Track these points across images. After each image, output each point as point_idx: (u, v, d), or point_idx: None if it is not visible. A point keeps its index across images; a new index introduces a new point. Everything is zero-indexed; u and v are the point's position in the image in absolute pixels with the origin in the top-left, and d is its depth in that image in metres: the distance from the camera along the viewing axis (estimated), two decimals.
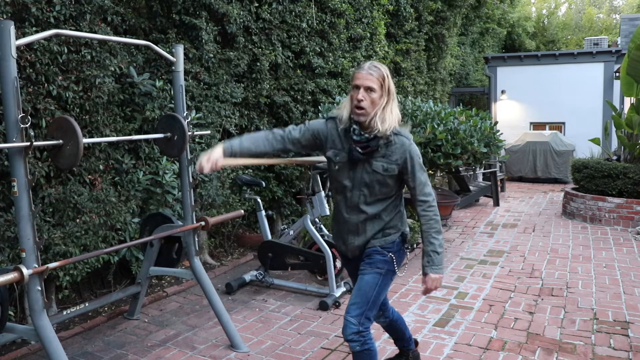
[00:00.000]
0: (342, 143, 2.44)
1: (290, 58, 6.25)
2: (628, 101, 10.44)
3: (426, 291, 2.47)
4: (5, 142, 2.60)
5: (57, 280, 3.78)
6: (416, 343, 3.17)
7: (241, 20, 5.42)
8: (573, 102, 14.16)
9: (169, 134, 3.39)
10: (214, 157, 2.43)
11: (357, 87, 2.31)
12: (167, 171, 4.53)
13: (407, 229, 2.62)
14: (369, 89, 2.30)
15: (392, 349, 3.29)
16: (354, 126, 2.37)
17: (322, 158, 2.91)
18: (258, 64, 5.73)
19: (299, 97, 6.37)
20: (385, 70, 2.34)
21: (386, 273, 2.49)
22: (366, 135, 2.35)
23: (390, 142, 2.38)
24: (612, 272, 5.19)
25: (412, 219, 5.58)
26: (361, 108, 2.31)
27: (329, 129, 2.49)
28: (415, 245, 5.84)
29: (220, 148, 2.47)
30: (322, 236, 4.51)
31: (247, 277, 4.79)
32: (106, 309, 4.21)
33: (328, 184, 5.05)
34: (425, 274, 2.44)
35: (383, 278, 2.48)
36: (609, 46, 16.61)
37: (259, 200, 4.79)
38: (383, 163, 2.40)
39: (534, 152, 12.93)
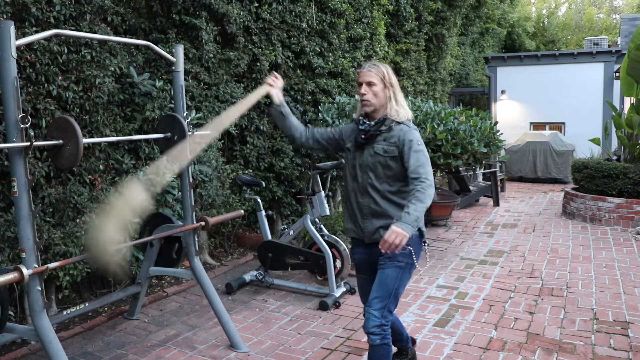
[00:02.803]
0: (353, 134, 2.70)
1: (290, 58, 6.25)
2: (628, 101, 10.44)
3: (383, 243, 2.27)
4: (5, 142, 2.60)
5: (57, 280, 3.78)
6: (414, 342, 3.19)
7: (241, 20, 5.42)
8: (573, 102, 14.16)
9: (169, 134, 3.39)
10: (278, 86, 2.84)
11: (360, 84, 2.59)
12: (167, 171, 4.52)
13: (424, 227, 2.66)
14: (369, 84, 2.56)
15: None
16: (361, 117, 2.65)
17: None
18: (258, 64, 5.73)
19: (299, 97, 6.37)
20: (384, 67, 2.60)
21: (405, 266, 2.56)
22: (368, 123, 2.61)
23: (391, 129, 2.58)
24: (612, 272, 5.19)
25: None
26: (365, 100, 2.58)
27: (350, 128, 2.78)
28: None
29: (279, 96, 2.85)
30: (322, 236, 4.51)
31: (247, 277, 4.79)
32: (106, 309, 4.21)
33: (328, 184, 5.06)
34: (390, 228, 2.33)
35: (403, 271, 2.56)
36: (609, 46, 16.61)
37: (259, 200, 4.79)
38: (383, 145, 2.58)
39: (534, 152, 12.93)
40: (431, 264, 5.57)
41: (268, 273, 4.76)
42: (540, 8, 28.43)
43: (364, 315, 2.62)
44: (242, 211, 4.09)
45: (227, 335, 3.53)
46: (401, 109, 2.58)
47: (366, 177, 2.62)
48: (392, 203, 2.59)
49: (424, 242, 2.67)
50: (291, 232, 4.80)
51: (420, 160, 2.49)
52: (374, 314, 2.49)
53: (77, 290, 4.35)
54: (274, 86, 2.85)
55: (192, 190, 3.57)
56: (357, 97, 2.83)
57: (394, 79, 2.60)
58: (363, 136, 2.61)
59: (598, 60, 14.06)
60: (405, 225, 2.28)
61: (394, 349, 3.15)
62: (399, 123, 2.58)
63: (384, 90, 2.57)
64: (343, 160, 2.93)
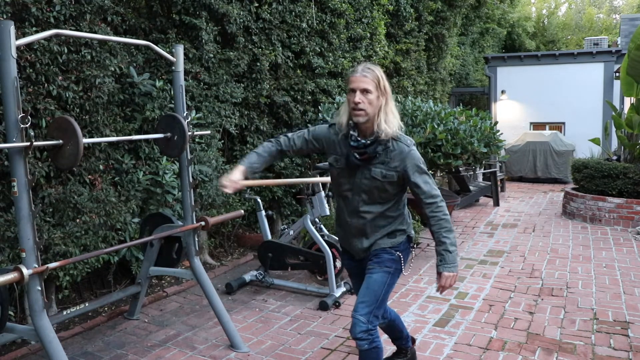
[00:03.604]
0: (342, 149, 2.47)
1: (290, 58, 6.25)
2: (628, 101, 10.44)
3: (441, 289, 2.47)
4: (5, 142, 2.60)
5: (57, 280, 3.78)
6: (413, 341, 3.20)
7: (241, 20, 5.42)
8: (573, 102, 14.16)
9: (169, 134, 3.39)
10: (233, 178, 2.49)
11: (354, 91, 2.34)
12: (167, 171, 4.53)
13: (412, 232, 2.67)
14: (365, 91, 2.32)
15: (390, 349, 3.29)
16: (352, 132, 2.40)
17: (319, 179, 3.01)
18: (258, 64, 5.73)
19: (299, 97, 6.37)
20: (379, 71, 2.37)
21: (394, 272, 2.55)
22: (363, 141, 2.39)
23: (389, 149, 2.40)
24: (612, 272, 5.19)
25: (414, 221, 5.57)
26: (359, 109, 2.33)
27: (330, 135, 2.53)
28: (415, 246, 5.84)
29: (241, 168, 2.55)
30: (322, 236, 4.51)
31: (247, 277, 4.79)
32: (106, 309, 4.21)
33: (328, 185, 5.05)
34: (439, 273, 2.46)
35: (391, 277, 2.54)
36: (609, 46, 16.60)
37: (259, 200, 4.79)
38: (382, 169, 2.42)
39: (534, 152, 12.93)
40: (431, 264, 5.57)
41: (268, 273, 4.76)
42: (540, 8, 28.42)
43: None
44: (242, 211, 4.09)
45: (227, 335, 3.53)
46: (392, 118, 2.37)
47: (358, 199, 2.50)
48: (383, 219, 2.53)
49: (412, 246, 2.68)
50: (291, 232, 4.80)
51: (430, 182, 2.44)
52: (360, 319, 2.44)
53: (77, 290, 4.35)
54: (229, 187, 2.50)
55: (192, 190, 3.57)
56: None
57: (387, 84, 2.39)
58: (357, 156, 2.40)
59: (598, 60, 14.05)
60: (451, 266, 2.42)
61: (394, 348, 3.17)
62: (395, 140, 2.40)
63: (378, 98, 2.34)
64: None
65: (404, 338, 3.06)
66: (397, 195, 2.53)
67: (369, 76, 2.32)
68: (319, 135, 2.58)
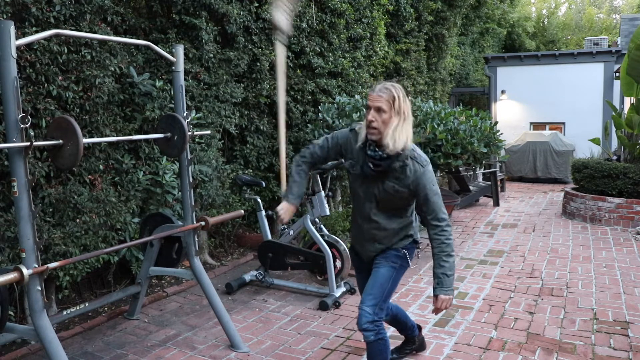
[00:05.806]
0: (358, 156, 2.55)
1: (290, 58, 6.25)
2: (628, 101, 10.44)
3: (436, 311, 2.59)
4: (5, 142, 2.59)
5: (57, 280, 3.78)
6: (420, 328, 3.29)
7: (241, 20, 5.42)
8: (573, 102, 14.16)
9: (169, 134, 3.39)
10: (284, 210, 2.65)
11: (369, 108, 2.41)
12: (167, 171, 4.52)
13: (419, 236, 2.78)
14: (379, 110, 2.38)
15: (394, 343, 3.29)
16: (370, 142, 2.47)
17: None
18: (258, 64, 5.73)
19: (299, 97, 6.37)
20: (396, 91, 2.39)
21: (400, 267, 2.68)
22: (380, 152, 2.43)
23: (406, 166, 2.46)
24: (612, 272, 5.19)
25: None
26: (373, 128, 2.40)
27: (350, 139, 2.60)
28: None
29: (291, 208, 2.68)
30: (322, 236, 4.51)
31: (247, 277, 4.79)
32: (106, 309, 4.21)
33: (328, 184, 5.06)
34: (435, 295, 2.57)
35: (397, 272, 2.66)
36: (609, 46, 16.60)
37: (259, 200, 4.79)
38: (395, 184, 2.49)
39: (534, 152, 12.93)
40: (431, 264, 5.56)
41: (268, 273, 4.76)
42: (540, 8, 28.42)
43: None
44: (242, 211, 4.09)
45: (227, 335, 3.54)
46: (403, 138, 2.39)
47: (370, 206, 2.61)
48: (393, 229, 2.65)
49: (418, 247, 2.79)
50: (291, 232, 4.80)
51: (439, 204, 2.50)
52: (366, 310, 2.55)
53: (77, 290, 4.35)
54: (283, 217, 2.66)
55: (192, 190, 3.57)
56: (358, 97, 2.83)
57: (404, 105, 2.39)
58: (372, 167, 2.47)
59: (598, 60, 14.05)
60: (447, 290, 2.54)
61: (401, 339, 3.24)
62: (412, 159, 2.46)
63: (391, 118, 2.39)
64: (343, 160, 2.76)
65: (409, 328, 3.16)
66: (407, 206, 2.64)
67: (384, 96, 2.37)
68: (338, 139, 2.64)
